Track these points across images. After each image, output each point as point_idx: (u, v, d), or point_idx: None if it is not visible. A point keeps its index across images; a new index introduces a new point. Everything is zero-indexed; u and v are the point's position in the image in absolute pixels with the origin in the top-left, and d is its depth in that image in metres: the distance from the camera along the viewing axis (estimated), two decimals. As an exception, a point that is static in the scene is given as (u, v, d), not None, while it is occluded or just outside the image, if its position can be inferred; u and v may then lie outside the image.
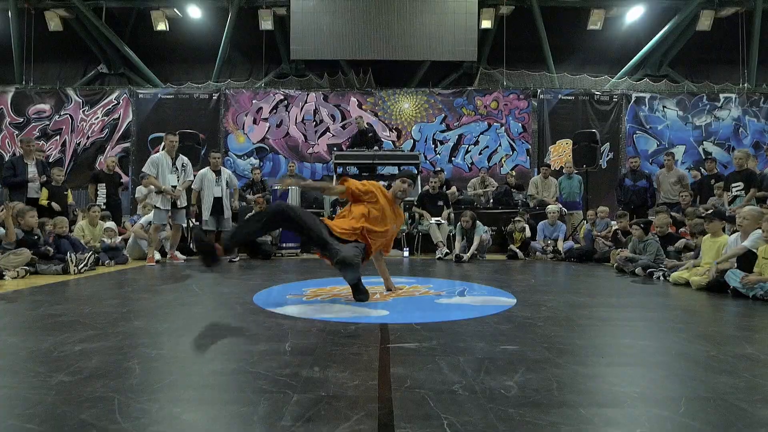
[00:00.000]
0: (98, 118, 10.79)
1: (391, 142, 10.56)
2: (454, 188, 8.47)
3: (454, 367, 1.76)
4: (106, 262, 5.30)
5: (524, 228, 6.84)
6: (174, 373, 1.72)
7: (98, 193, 6.83)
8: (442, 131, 10.76)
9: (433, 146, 10.74)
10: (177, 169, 5.70)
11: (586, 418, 1.32)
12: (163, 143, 5.93)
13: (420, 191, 7.74)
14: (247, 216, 3.29)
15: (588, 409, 1.39)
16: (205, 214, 6.33)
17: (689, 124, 10.71)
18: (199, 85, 10.99)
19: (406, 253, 6.92)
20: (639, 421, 1.32)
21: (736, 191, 5.87)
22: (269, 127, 10.67)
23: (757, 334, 2.51)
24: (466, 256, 6.18)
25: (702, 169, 8.69)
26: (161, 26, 10.67)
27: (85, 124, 10.77)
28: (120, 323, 2.45)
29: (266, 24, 10.41)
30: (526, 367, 1.78)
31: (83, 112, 10.80)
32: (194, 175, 6.10)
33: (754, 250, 3.61)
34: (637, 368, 1.81)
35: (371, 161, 8.32)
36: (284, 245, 6.85)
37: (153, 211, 5.74)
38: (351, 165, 8.59)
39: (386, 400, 1.44)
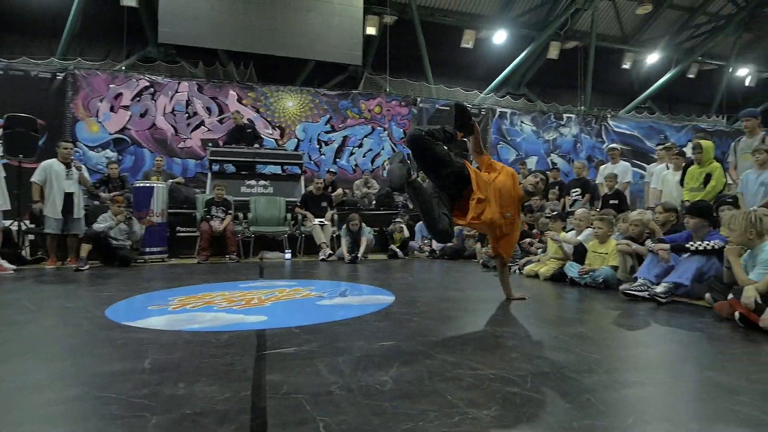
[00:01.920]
0: None
1: (273, 140, 10.19)
2: (340, 190, 8.53)
3: (333, 368, 1.76)
4: None
5: (403, 228, 7.21)
6: (-10, 408, 1.40)
7: None
8: (327, 132, 10.75)
9: (318, 146, 10.66)
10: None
11: (452, 403, 1.43)
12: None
13: (303, 192, 7.64)
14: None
15: (454, 393, 1.51)
16: (51, 212, 5.36)
17: (540, 138, 12.46)
18: (39, 62, 9.21)
19: (288, 255, 6.72)
20: (495, 398, 1.47)
21: (575, 196, 7.02)
22: (131, 117, 9.42)
23: (586, 316, 3.01)
24: (359, 256, 6.33)
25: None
26: (-16, -15, 8.70)
27: None
28: None
29: (128, -1, 9.21)
30: (401, 360, 1.86)
31: None
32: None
33: (585, 245, 4.35)
34: (496, 351, 2.03)
35: (251, 159, 7.94)
36: (147, 250, 6.10)
37: None
38: (228, 162, 8.10)
39: (260, 410, 1.38)
